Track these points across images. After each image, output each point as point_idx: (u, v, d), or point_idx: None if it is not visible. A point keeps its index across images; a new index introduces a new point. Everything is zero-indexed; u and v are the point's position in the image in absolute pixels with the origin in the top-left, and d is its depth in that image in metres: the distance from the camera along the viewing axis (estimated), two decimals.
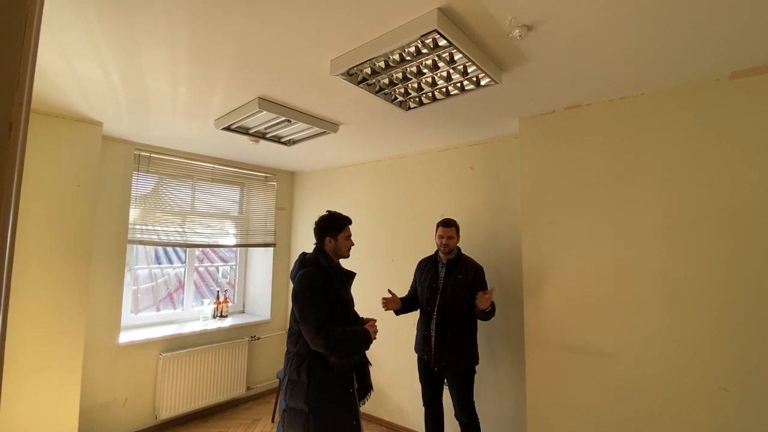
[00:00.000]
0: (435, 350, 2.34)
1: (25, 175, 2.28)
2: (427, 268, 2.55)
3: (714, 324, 1.72)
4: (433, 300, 2.42)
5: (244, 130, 2.63)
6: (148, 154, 3.24)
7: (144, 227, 3.20)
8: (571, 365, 2.08)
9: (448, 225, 2.45)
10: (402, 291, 3.23)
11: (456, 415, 2.39)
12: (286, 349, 1.95)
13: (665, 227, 1.86)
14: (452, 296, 2.36)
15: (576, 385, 2.05)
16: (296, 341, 1.86)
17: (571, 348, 2.08)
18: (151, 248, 3.66)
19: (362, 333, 1.90)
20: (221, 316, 3.80)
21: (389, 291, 2.47)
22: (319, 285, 1.84)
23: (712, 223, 1.75)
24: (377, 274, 3.44)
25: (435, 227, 2.53)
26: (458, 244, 2.51)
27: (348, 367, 1.88)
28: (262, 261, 4.21)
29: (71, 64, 1.78)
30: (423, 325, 2.47)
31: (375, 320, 2.01)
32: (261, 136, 2.73)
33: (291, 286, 1.94)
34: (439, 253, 2.51)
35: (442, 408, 2.51)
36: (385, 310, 2.45)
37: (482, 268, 2.45)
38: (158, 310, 3.65)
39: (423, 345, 2.45)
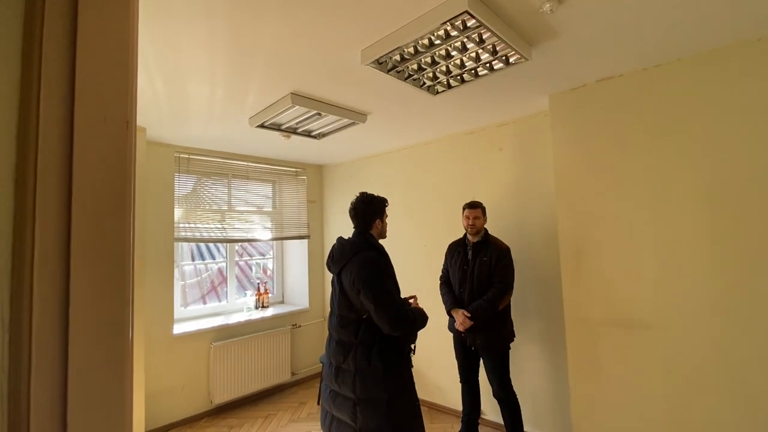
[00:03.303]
0: (469, 330, 2.41)
1: None
2: (457, 250, 2.63)
3: (764, 291, 1.68)
4: (464, 282, 2.50)
5: (276, 127, 2.72)
6: (187, 156, 3.40)
7: (187, 225, 3.38)
8: (614, 340, 2.07)
9: (473, 206, 2.54)
10: (433, 275, 3.30)
11: (494, 393, 2.45)
12: (337, 338, 1.83)
13: (709, 196, 1.81)
14: (479, 278, 2.44)
15: (619, 360, 2.05)
16: (355, 330, 1.76)
17: (613, 323, 2.08)
18: (194, 245, 3.86)
19: (420, 311, 1.87)
20: (263, 306, 3.98)
21: (464, 314, 2.40)
22: (387, 268, 1.82)
23: (759, 188, 1.69)
24: (410, 259, 3.50)
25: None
26: (485, 226, 2.56)
27: (408, 348, 1.85)
28: (297, 252, 4.36)
29: None
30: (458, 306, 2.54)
31: (416, 297, 2.01)
32: (292, 131, 2.82)
33: (327, 274, 1.93)
34: (467, 235, 2.58)
35: (478, 384, 2.62)
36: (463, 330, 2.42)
37: (508, 248, 2.48)
38: (205, 302, 3.86)
39: None
